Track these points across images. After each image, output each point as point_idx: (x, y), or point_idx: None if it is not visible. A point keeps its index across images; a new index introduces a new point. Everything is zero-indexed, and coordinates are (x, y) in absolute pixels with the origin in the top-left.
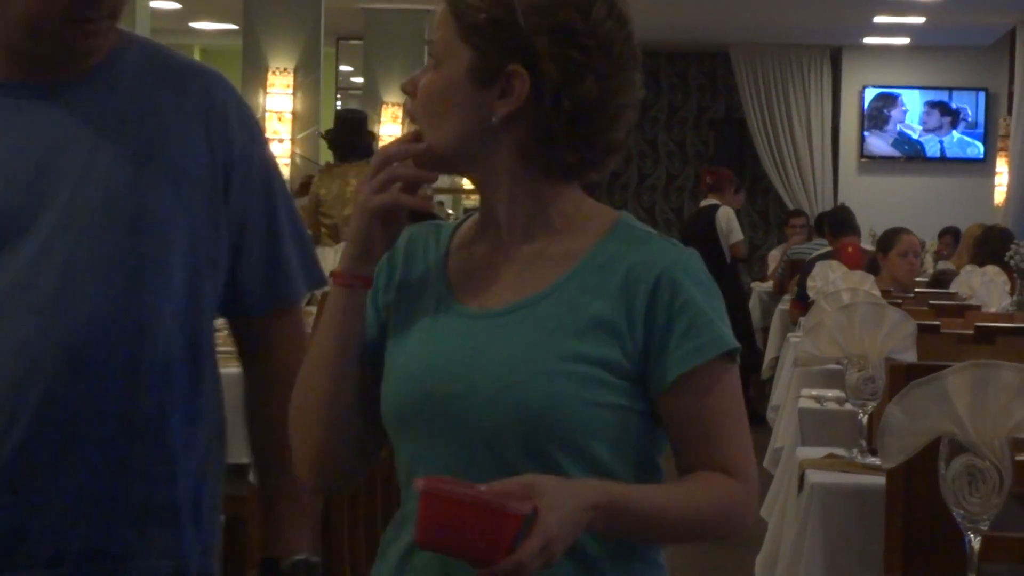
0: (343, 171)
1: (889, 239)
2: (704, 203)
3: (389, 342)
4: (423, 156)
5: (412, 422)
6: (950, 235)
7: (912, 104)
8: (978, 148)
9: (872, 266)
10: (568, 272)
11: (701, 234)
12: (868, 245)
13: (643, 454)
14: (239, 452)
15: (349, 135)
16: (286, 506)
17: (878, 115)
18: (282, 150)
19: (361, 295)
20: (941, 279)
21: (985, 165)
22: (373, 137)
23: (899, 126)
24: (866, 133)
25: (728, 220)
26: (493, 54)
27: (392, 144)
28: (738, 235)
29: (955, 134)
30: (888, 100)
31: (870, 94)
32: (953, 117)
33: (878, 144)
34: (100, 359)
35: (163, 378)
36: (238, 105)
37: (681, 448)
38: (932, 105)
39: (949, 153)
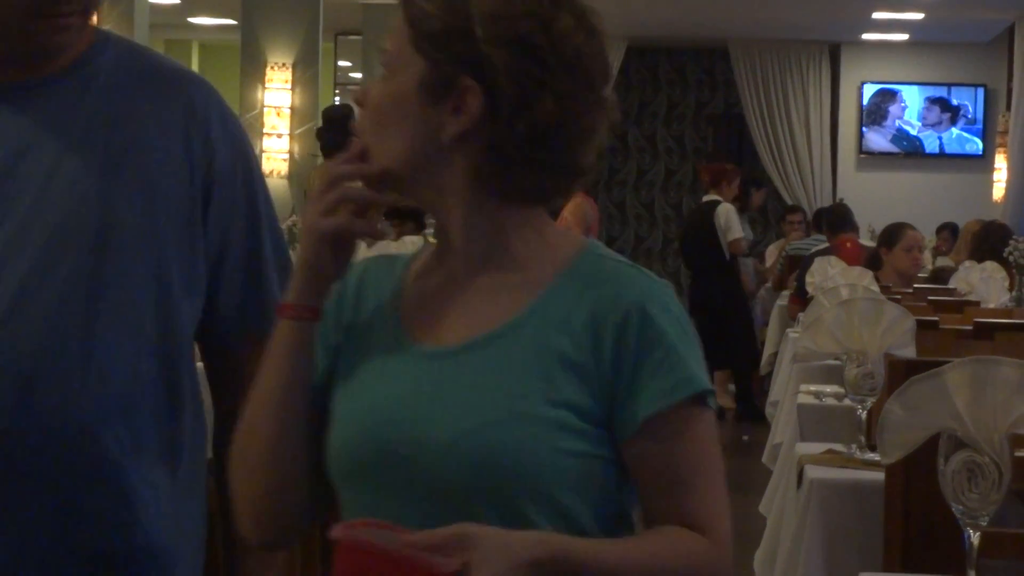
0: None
1: (893, 234)
2: (705, 199)
3: (336, 385)
4: (374, 176)
5: (360, 473)
6: (948, 231)
7: (911, 100)
8: (977, 144)
9: (874, 261)
10: (530, 305)
11: (701, 231)
12: (867, 241)
13: (615, 508)
14: None
15: (331, 132)
16: (253, 562)
17: (877, 111)
18: (280, 146)
19: (310, 329)
20: (940, 275)
21: (984, 161)
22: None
23: (898, 122)
24: (865, 129)
25: (727, 217)
26: (446, 66)
27: (340, 161)
28: (736, 232)
29: (954, 130)
30: (888, 96)
31: (869, 90)
32: (952, 113)
33: (877, 140)
34: (50, 393)
35: (123, 415)
36: (223, 115)
37: (647, 500)
38: (931, 101)
39: (948, 149)
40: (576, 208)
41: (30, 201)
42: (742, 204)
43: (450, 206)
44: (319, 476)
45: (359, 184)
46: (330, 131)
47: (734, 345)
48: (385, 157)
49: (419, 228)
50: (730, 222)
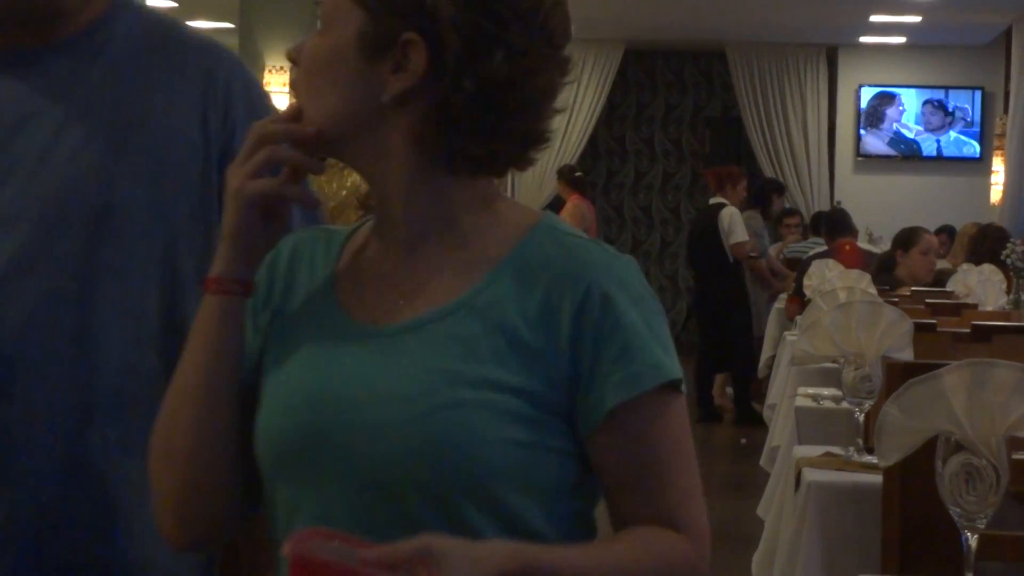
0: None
1: (911, 237)
2: (712, 201)
3: (267, 366)
4: (307, 138)
5: (291, 463)
6: (945, 234)
7: (909, 103)
8: (974, 147)
9: (888, 262)
10: (480, 282)
11: (705, 233)
12: (865, 244)
13: (572, 507)
14: None
15: None
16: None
17: (876, 114)
18: None
19: (239, 305)
20: (937, 277)
21: (981, 164)
22: None
23: (896, 125)
24: (863, 132)
25: (730, 220)
26: (387, 18)
27: (271, 120)
28: (739, 236)
29: (951, 133)
30: (886, 99)
31: (866, 93)
32: (950, 116)
33: (875, 143)
34: (34, 381)
35: (114, 412)
36: (247, 88)
37: (616, 498)
38: (929, 104)
39: (945, 152)
40: (574, 209)
41: (24, 175)
42: (763, 210)
43: (391, 174)
44: (250, 470)
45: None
46: None
47: (733, 348)
48: (319, 117)
49: None
50: (733, 225)
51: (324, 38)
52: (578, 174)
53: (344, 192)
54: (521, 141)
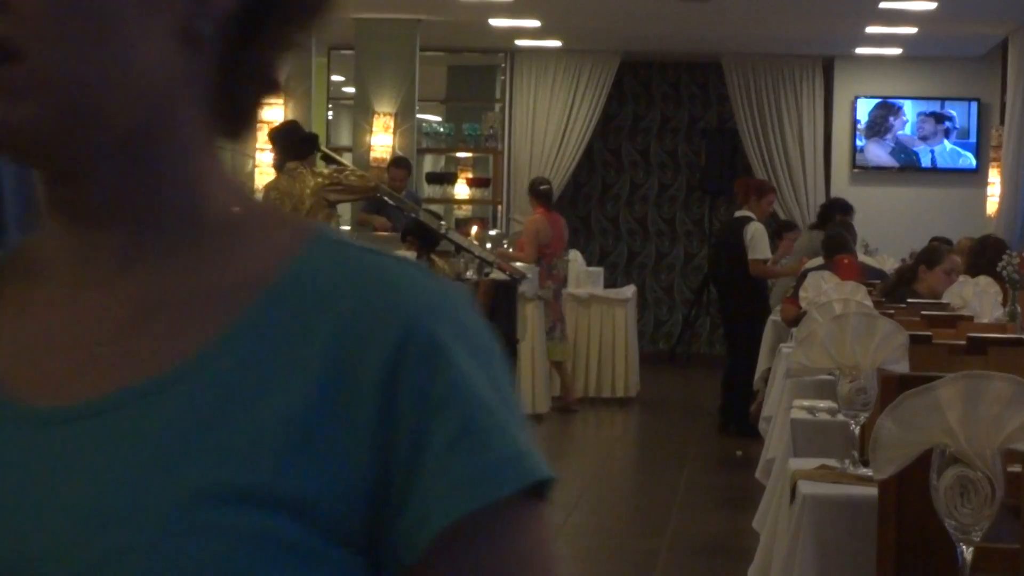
0: (278, 179)
1: (937, 255)
2: (737, 214)
3: None
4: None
5: None
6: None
7: (907, 114)
8: (970, 158)
9: (909, 275)
10: (227, 327)
11: (728, 245)
12: (861, 256)
13: None
14: None
15: (275, 146)
16: None
17: (880, 124)
18: (271, 160)
19: None
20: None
21: (978, 175)
22: (312, 139)
23: (899, 135)
24: (866, 141)
25: (754, 235)
26: None
27: None
28: (759, 253)
29: (947, 144)
30: (888, 109)
31: (864, 104)
32: (943, 127)
33: (878, 153)
34: None
35: None
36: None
37: None
38: (925, 115)
39: (941, 163)
40: (529, 224)
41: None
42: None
43: (78, 149)
44: None
45: None
46: (283, 140)
47: (738, 360)
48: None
49: (430, 250)
50: (756, 240)
51: None
52: (543, 187)
53: (308, 191)
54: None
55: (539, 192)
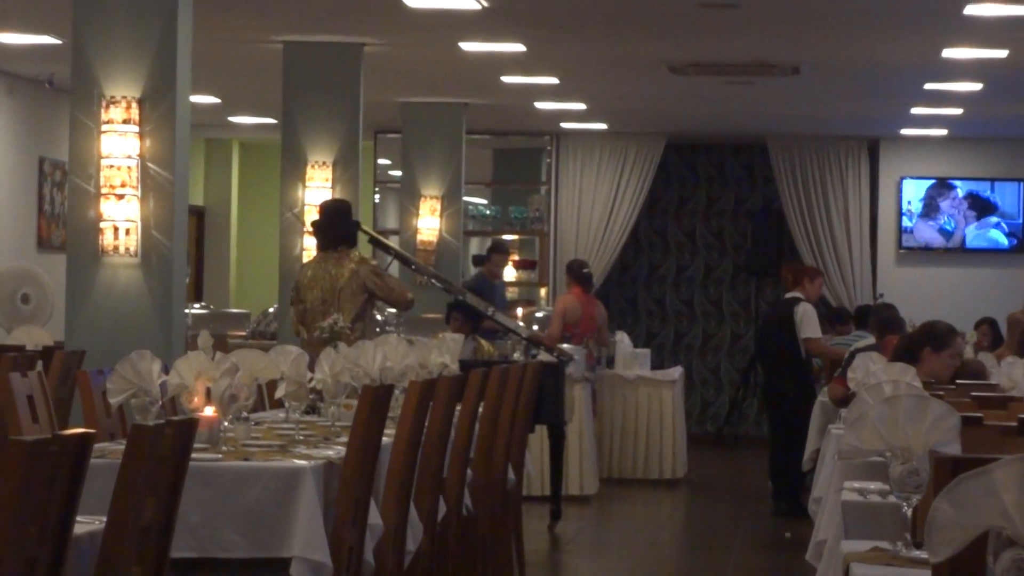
0: (323, 257)
1: (944, 339)
2: (788, 296)
3: None
4: None
5: None
6: (987, 324)
7: (958, 193)
8: (1017, 239)
9: (911, 355)
10: None
11: (777, 326)
12: None
13: None
14: (279, 544)
15: (332, 225)
16: None
17: (931, 204)
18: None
19: None
20: (978, 369)
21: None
22: (357, 226)
23: (947, 216)
24: (917, 221)
25: (803, 315)
26: None
27: None
28: (810, 332)
29: (993, 220)
30: (942, 188)
31: (909, 185)
32: (991, 207)
33: (928, 233)
34: None
35: None
36: None
37: None
38: (970, 196)
39: (987, 244)
40: (559, 303)
41: None
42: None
43: None
44: None
45: None
46: (331, 224)
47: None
48: None
49: (474, 328)
50: (807, 320)
51: None
52: (584, 270)
53: (347, 273)
54: None
55: (575, 272)
